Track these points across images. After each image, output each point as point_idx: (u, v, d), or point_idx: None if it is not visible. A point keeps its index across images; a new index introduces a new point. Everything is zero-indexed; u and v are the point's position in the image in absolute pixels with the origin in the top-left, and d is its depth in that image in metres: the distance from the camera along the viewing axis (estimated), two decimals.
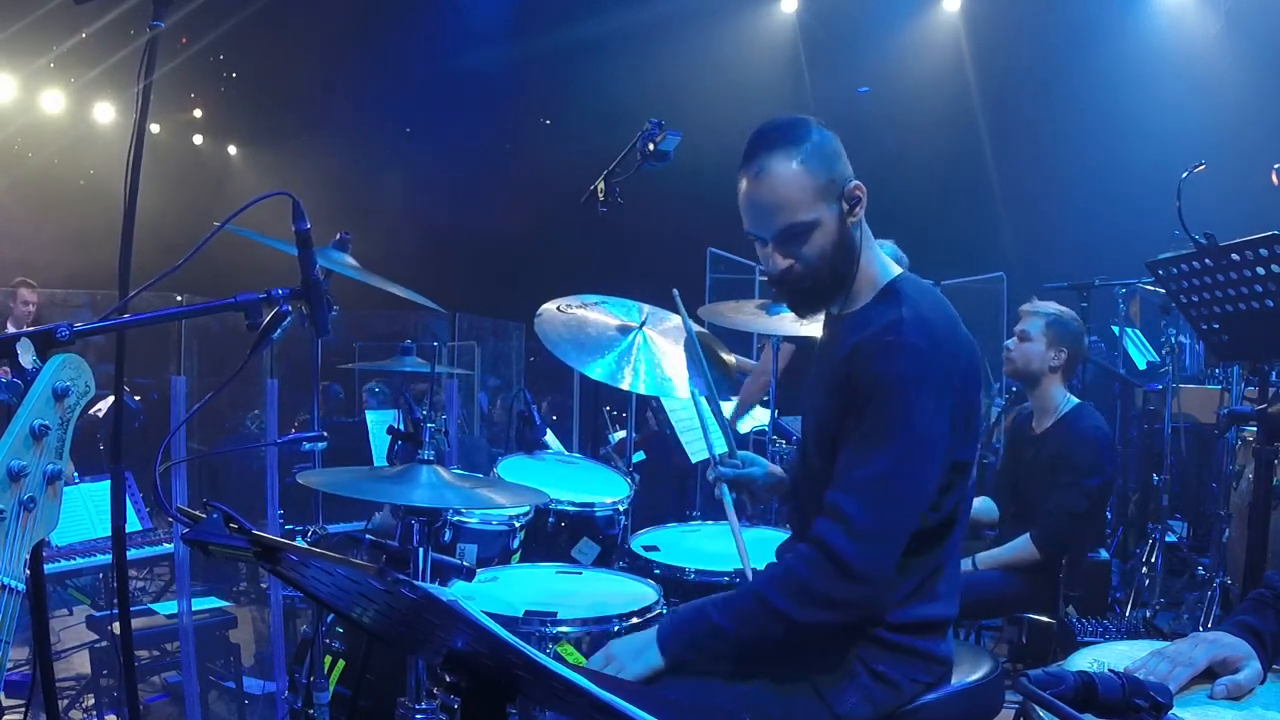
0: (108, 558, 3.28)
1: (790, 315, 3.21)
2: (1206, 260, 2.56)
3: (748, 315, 3.35)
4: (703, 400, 2.28)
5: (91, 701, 3.32)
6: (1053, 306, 3.24)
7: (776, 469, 2.09)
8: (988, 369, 5.85)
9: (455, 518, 2.73)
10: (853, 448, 1.64)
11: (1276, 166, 3.20)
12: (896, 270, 1.80)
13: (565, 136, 9.66)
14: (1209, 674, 1.31)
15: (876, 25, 8.60)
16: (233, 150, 12.20)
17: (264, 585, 4.46)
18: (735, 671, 1.70)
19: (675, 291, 2.43)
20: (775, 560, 1.96)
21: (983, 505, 3.39)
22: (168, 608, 3.51)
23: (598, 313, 2.69)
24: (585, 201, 3.73)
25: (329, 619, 2.37)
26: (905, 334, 1.62)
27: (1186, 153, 3.18)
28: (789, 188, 1.65)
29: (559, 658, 2.01)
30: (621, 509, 3.06)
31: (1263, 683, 1.31)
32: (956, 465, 1.69)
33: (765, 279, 1.79)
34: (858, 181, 1.73)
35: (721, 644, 1.65)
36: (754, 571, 2.10)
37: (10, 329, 4.70)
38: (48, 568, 3.48)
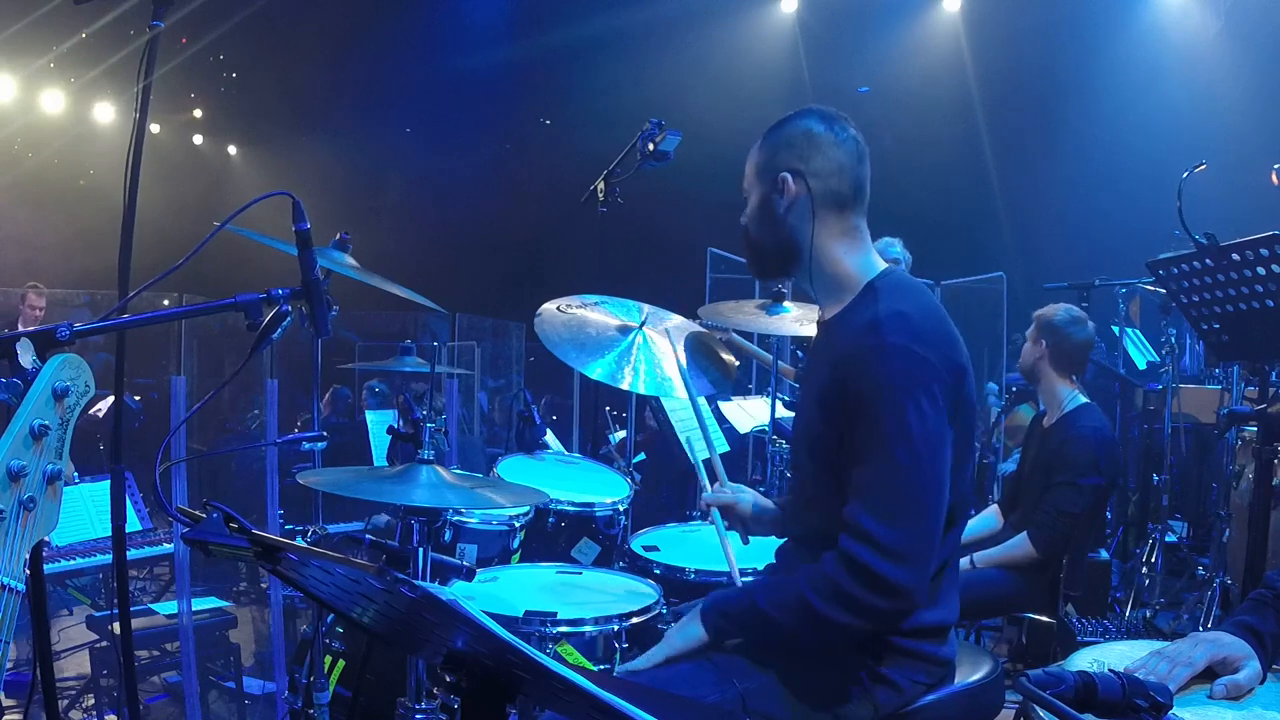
0: (108, 558, 3.28)
1: (790, 315, 3.23)
2: (1206, 260, 2.56)
3: (748, 315, 3.35)
4: (698, 437, 2.30)
5: (91, 701, 3.32)
6: (1048, 306, 3.28)
7: (766, 501, 2.06)
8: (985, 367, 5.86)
9: (455, 518, 2.73)
10: (861, 462, 1.62)
11: (1276, 166, 3.20)
12: (881, 267, 1.78)
13: (565, 136, 9.67)
14: (1209, 674, 1.31)
15: (876, 25, 8.61)
16: (233, 150, 12.20)
17: (264, 585, 4.46)
18: (736, 672, 1.70)
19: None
20: (775, 560, 1.96)
21: (981, 523, 3.40)
22: (168, 608, 3.51)
23: (598, 313, 2.69)
24: (585, 201, 3.73)
25: (329, 619, 2.36)
26: (885, 334, 1.60)
27: (1186, 153, 3.18)
28: (748, 162, 1.85)
29: (559, 658, 2.02)
30: (621, 509, 3.05)
31: (1262, 683, 1.31)
32: (950, 463, 1.66)
33: None
34: (799, 176, 1.74)
35: (763, 629, 1.68)
36: (741, 572, 2.13)
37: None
38: (48, 568, 3.48)
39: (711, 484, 2.18)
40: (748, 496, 2.06)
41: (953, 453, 1.66)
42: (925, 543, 1.60)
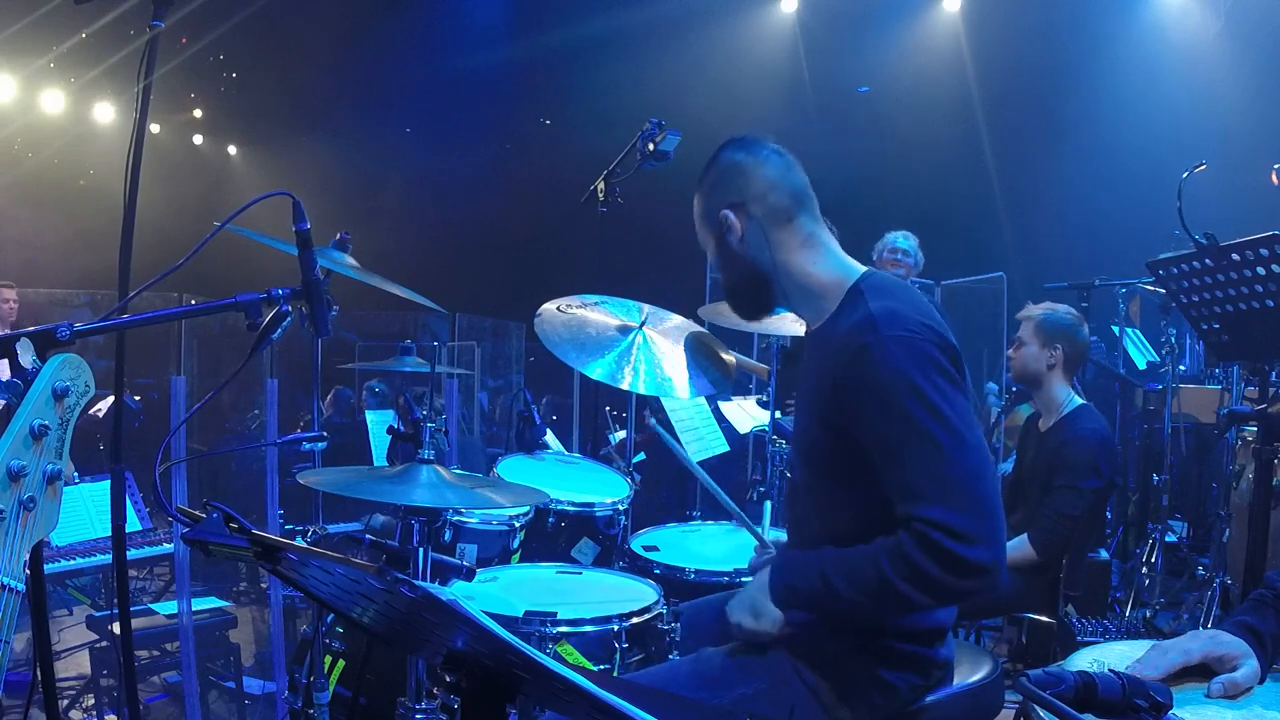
0: (108, 558, 3.28)
1: (791, 315, 3.23)
2: (1206, 260, 2.56)
3: None
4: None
5: (91, 701, 3.32)
6: (1044, 306, 3.23)
7: None
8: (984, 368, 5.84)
9: (455, 518, 2.73)
10: (898, 458, 1.57)
11: (1276, 166, 3.20)
12: (856, 266, 1.77)
13: (565, 136, 9.65)
14: (1207, 673, 1.31)
15: (876, 25, 8.59)
16: (233, 150, 12.19)
17: (264, 585, 4.46)
18: (737, 672, 1.70)
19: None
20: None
21: None
22: (168, 608, 3.51)
23: (598, 313, 2.69)
24: (585, 201, 3.73)
25: (329, 619, 2.36)
26: (882, 329, 1.58)
27: (1186, 153, 3.18)
28: (695, 217, 1.88)
29: (559, 658, 2.02)
30: (621, 509, 3.06)
31: (1261, 682, 1.30)
32: None
33: None
34: (733, 210, 1.77)
35: (833, 604, 1.63)
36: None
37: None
38: (48, 568, 3.48)
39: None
40: None
41: None
42: (993, 517, 1.55)
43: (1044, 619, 3.13)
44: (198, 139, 11.77)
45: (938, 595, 1.55)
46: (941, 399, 1.56)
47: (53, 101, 9.37)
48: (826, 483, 1.72)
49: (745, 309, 1.89)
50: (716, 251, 1.83)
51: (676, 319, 2.74)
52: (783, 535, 2.34)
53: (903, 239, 4.25)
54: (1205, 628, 3.92)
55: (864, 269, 1.77)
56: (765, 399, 3.44)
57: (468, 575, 1.97)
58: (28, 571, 1.16)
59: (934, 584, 1.53)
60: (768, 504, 2.76)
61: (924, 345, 1.58)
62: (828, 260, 1.76)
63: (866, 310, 1.63)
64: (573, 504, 2.99)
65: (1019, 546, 3.08)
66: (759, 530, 2.31)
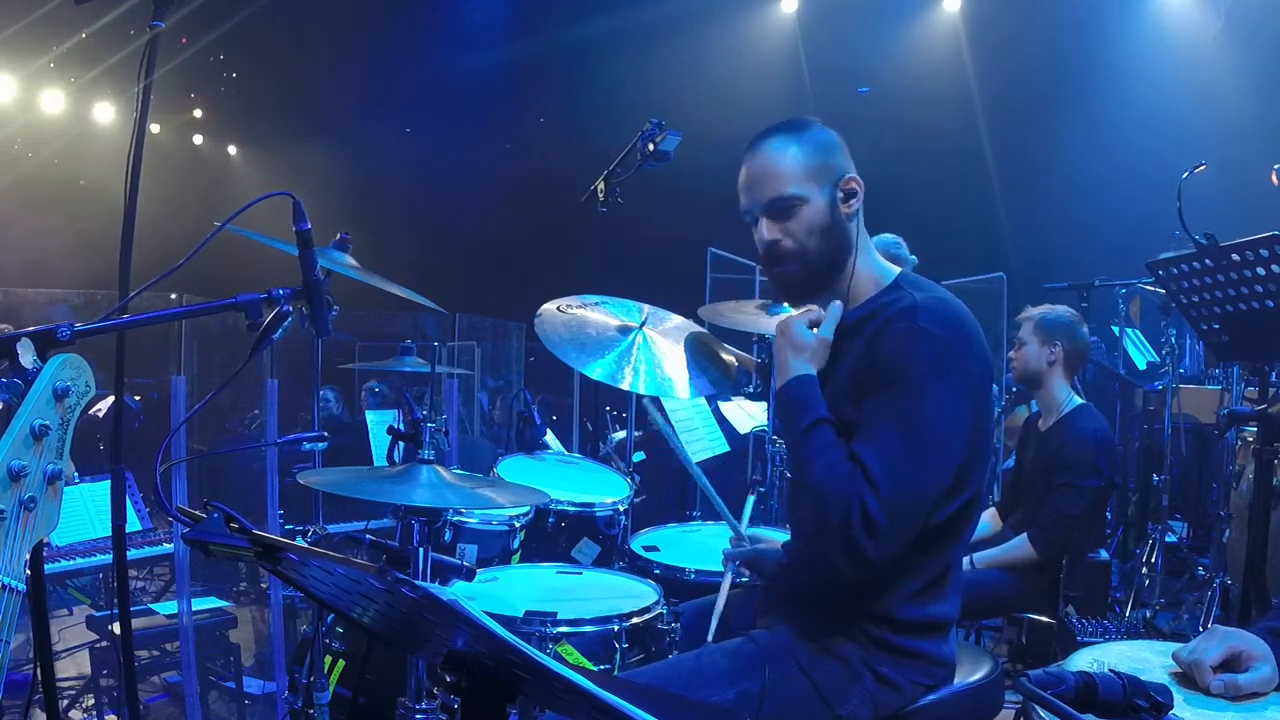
0: (108, 558, 3.28)
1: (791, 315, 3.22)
2: (1206, 260, 2.56)
3: (748, 315, 3.34)
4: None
5: (91, 701, 3.32)
6: (1043, 307, 3.25)
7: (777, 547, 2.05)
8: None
9: (455, 518, 2.73)
10: (870, 427, 1.61)
11: (1276, 167, 3.20)
12: (896, 271, 1.80)
13: (565, 137, 9.65)
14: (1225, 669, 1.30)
15: (876, 25, 8.59)
16: (233, 150, 12.19)
17: (264, 585, 4.46)
18: (739, 668, 1.70)
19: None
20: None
21: (978, 527, 3.40)
22: (168, 608, 3.51)
23: (598, 313, 2.69)
24: (585, 201, 3.73)
25: (329, 619, 2.36)
26: (920, 318, 1.62)
27: (1186, 153, 3.18)
28: (781, 162, 1.72)
29: (559, 658, 2.02)
30: (621, 509, 3.06)
31: (1278, 689, 1.29)
32: (966, 464, 1.66)
33: (761, 263, 1.82)
34: (856, 177, 1.76)
35: (791, 438, 1.71)
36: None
37: None
38: (48, 568, 3.48)
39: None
40: (771, 550, 2.04)
41: (975, 447, 1.66)
42: (908, 526, 1.59)
43: (1044, 619, 3.13)
44: (198, 139, 11.77)
45: (818, 541, 1.61)
46: (933, 404, 1.58)
47: (53, 101, 9.36)
48: None
49: (809, 285, 1.79)
50: (826, 212, 1.72)
51: (676, 319, 2.73)
52: (762, 531, 2.35)
53: (904, 249, 4.22)
54: (1205, 628, 3.92)
55: (898, 270, 1.81)
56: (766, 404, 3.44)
57: (468, 575, 1.97)
58: (28, 571, 1.16)
59: (822, 532, 1.59)
60: (750, 498, 2.74)
61: (949, 348, 1.61)
62: (873, 258, 1.80)
63: (913, 298, 1.67)
64: (573, 504, 3.00)
65: (1019, 546, 3.08)
66: (736, 524, 2.30)
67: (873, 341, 1.67)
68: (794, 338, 1.76)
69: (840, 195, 1.74)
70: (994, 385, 6.24)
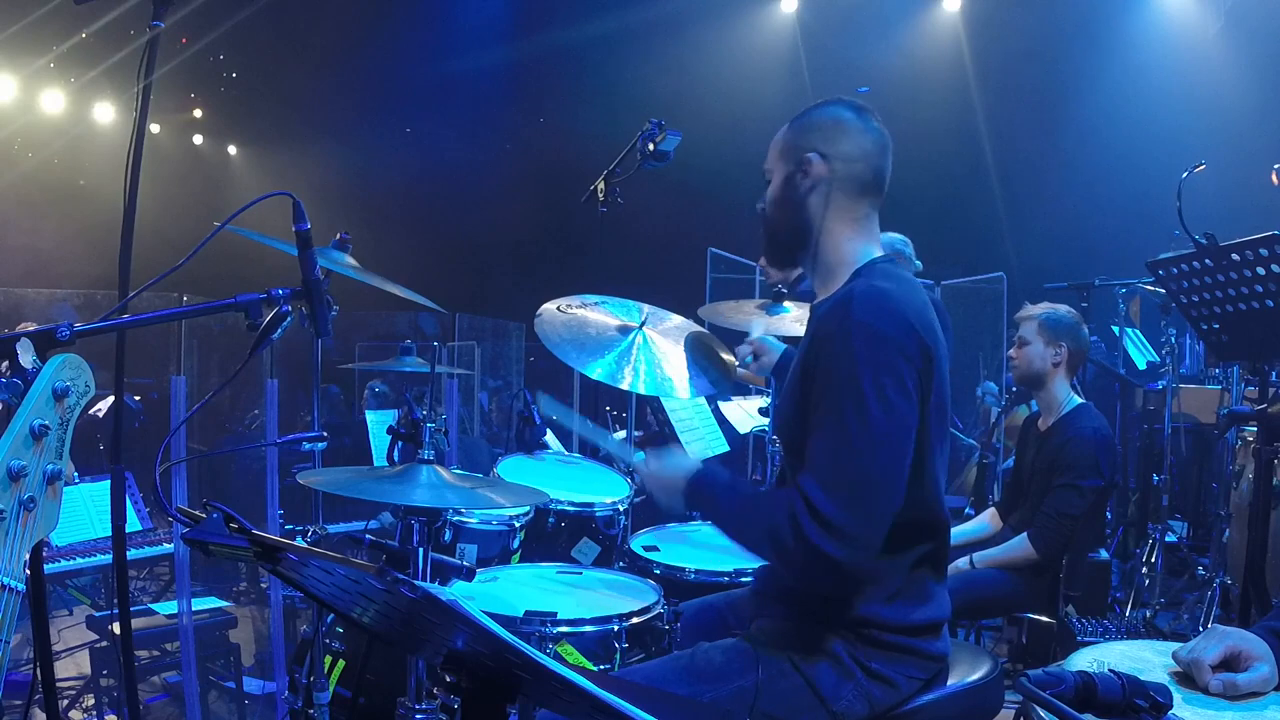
0: (108, 558, 3.28)
1: (791, 315, 3.23)
2: (1206, 260, 2.57)
3: (748, 315, 3.34)
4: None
5: (91, 701, 3.32)
6: (1043, 306, 3.24)
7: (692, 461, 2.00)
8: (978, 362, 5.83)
9: (455, 518, 2.73)
10: (816, 435, 1.61)
11: (1277, 166, 3.20)
12: (876, 254, 1.79)
13: (565, 137, 9.66)
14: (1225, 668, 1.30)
15: (876, 25, 8.60)
16: (233, 150, 12.19)
17: (264, 585, 4.46)
18: (735, 665, 1.71)
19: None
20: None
21: (976, 528, 3.40)
22: (168, 608, 3.51)
23: (598, 313, 2.69)
24: (585, 201, 3.73)
25: (329, 619, 2.36)
26: (852, 311, 1.60)
27: (1186, 153, 3.18)
28: (772, 145, 1.88)
29: (559, 658, 2.02)
30: (621, 509, 3.05)
31: (1278, 689, 1.29)
32: (919, 454, 1.64)
33: None
34: (827, 160, 1.77)
35: (725, 529, 1.77)
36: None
37: None
38: (48, 568, 3.48)
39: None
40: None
41: (924, 438, 1.64)
42: (872, 525, 1.58)
43: (1044, 619, 3.13)
44: (198, 139, 11.77)
45: (785, 562, 1.62)
46: (876, 399, 1.56)
47: (53, 101, 9.36)
48: (796, 460, 1.72)
49: (773, 251, 1.91)
50: (780, 186, 1.83)
51: (676, 319, 2.73)
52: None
53: (909, 249, 4.21)
54: (1205, 628, 3.92)
55: (878, 253, 1.80)
56: (766, 407, 3.44)
57: (468, 575, 1.97)
58: (27, 571, 1.16)
59: (784, 551, 1.59)
60: None
61: (883, 337, 1.59)
62: (862, 244, 1.79)
63: (850, 289, 1.67)
64: (573, 504, 2.99)
65: (1019, 546, 3.08)
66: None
67: (813, 343, 1.68)
68: (654, 480, 1.90)
69: (800, 174, 1.79)
70: (990, 384, 6.20)
